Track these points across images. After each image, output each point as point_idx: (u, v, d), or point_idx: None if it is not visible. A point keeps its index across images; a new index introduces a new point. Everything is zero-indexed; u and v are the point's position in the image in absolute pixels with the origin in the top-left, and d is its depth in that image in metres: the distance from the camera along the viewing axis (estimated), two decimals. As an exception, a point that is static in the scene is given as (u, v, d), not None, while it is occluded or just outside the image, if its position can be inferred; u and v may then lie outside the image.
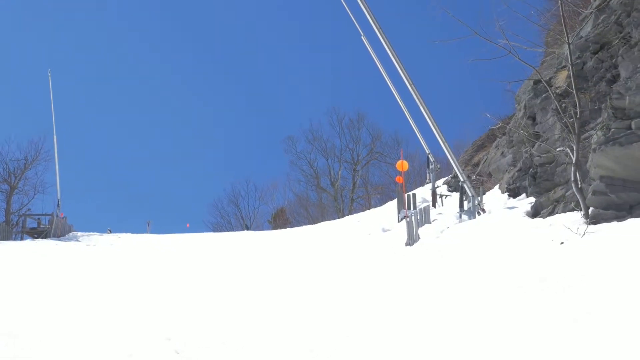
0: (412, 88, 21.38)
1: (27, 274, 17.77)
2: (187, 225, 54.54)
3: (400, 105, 29.92)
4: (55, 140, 45.78)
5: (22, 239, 41.32)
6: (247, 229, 56.63)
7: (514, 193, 20.65)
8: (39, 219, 43.63)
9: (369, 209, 45.72)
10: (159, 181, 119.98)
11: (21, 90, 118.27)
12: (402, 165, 30.80)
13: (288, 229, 43.45)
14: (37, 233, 41.08)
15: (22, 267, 19.85)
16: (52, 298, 12.82)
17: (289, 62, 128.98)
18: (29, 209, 48.35)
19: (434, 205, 28.99)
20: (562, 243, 12.01)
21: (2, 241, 33.39)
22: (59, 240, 36.27)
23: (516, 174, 20.82)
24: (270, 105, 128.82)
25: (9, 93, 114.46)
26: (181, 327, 9.68)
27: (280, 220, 66.75)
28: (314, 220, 53.55)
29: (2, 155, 50.08)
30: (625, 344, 6.24)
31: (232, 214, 75.66)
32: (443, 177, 38.41)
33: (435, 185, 31.64)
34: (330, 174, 70.66)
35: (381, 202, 51.30)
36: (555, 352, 6.54)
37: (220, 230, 59.03)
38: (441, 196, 30.75)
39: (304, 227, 43.27)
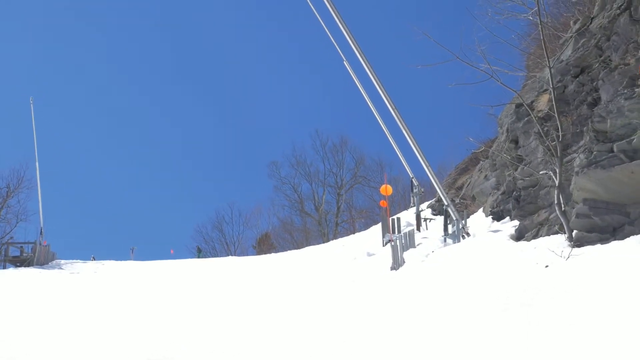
0: (394, 112, 21.45)
1: (11, 302, 17.65)
2: (172, 251, 54.40)
3: (383, 129, 30.03)
4: (37, 168, 45.69)
5: (4, 267, 41.00)
6: (199, 252, 55.90)
7: (497, 216, 20.70)
8: (21, 247, 43.36)
9: (354, 233, 45.73)
10: (142, 208, 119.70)
11: (2, 118, 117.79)
12: (386, 189, 30.86)
13: (273, 254, 43.34)
14: (20, 261, 40.81)
15: (5, 295, 19.70)
16: (38, 326, 12.73)
17: (271, 86, 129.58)
18: (11, 237, 48.06)
19: (418, 229, 29.00)
20: (546, 266, 12.03)
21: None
22: (42, 268, 36.04)
23: (500, 197, 20.88)
24: (253, 130, 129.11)
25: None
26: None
27: (264, 245, 66.56)
28: (298, 245, 53.48)
29: (-17, 184, 49.94)
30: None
31: (217, 240, 75.51)
32: (427, 201, 38.49)
33: (420, 209, 31.67)
34: (315, 199, 70.76)
35: (366, 226, 51.32)
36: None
37: (205, 256, 58.74)
38: (425, 220, 30.80)
39: (289, 252, 43.18)
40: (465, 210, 24.81)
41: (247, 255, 53.72)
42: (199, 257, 53.98)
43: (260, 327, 12.55)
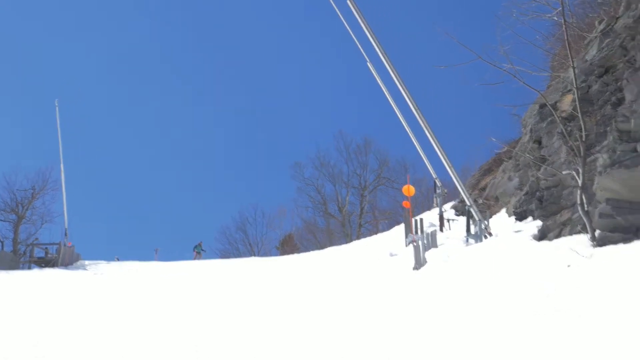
0: (417, 112, 21.44)
1: (37, 301, 17.87)
2: (195, 252, 54.29)
3: (406, 131, 29.98)
4: (62, 169, 45.93)
5: (29, 268, 41.31)
6: (198, 248, 54.80)
7: (520, 216, 20.62)
8: (46, 248, 43.64)
9: (377, 234, 45.65)
10: (166, 209, 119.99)
11: (28, 119, 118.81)
12: (409, 190, 30.84)
13: (296, 255, 43.36)
14: (45, 262, 41.08)
15: (31, 294, 19.94)
16: (63, 323, 12.87)
17: (295, 87, 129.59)
18: (36, 239, 48.42)
19: (441, 230, 28.95)
20: (568, 266, 11.99)
21: (10, 270, 33.42)
22: (67, 269, 36.32)
23: (523, 197, 20.81)
24: (277, 131, 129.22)
25: (16, 123, 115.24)
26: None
27: (288, 246, 66.59)
28: (321, 246, 53.39)
29: (9, 185, 50.35)
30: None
31: (240, 241, 75.50)
32: (450, 202, 38.41)
33: (443, 210, 31.60)
34: (338, 200, 70.66)
35: (389, 227, 51.20)
36: None
37: (228, 257, 58.82)
38: (448, 220, 30.71)
39: (311, 252, 43.19)
40: (488, 211, 24.77)
41: (270, 256, 53.68)
42: (198, 252, 53.54)
43: (284, 323, 12.64)
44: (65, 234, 44.19)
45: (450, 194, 39.47)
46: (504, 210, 25.52)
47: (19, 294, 20.24)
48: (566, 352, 7.44)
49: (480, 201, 29.93)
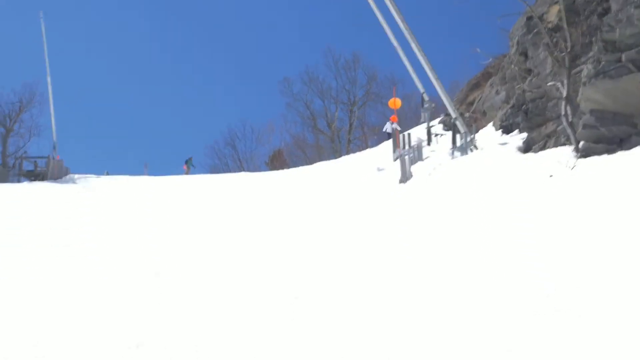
0: (404, 26, 21.27)
1: (31, 211, 18.06)
2: (185, 167, 54.29)
3: (394, 45, 29.71)
4: (49, 82, 45.33)
5: (19, 181, 41.34)
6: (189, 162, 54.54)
7: (507, 129, 20.68)
8: (35, 161, 43.56)
9: (366, 150, 45.69)
10: (155, 125, 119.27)
11: (13, 33, 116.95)
12: (395, 102, 30.78)
13: (285, 170, 43.47)
14: (34, 175, 41.04)
15: (24, 205, 20.11)
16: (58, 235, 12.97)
17: (283, 2, 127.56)
18: (25, 152, 48.42)
19: (429, 144, 28.97)
20: (550, 176, 12.11)
21: (-1, 183, 33.44)
22: (56, 182, 36.32)
23: (509, 110, 20.83)
24: (264, 47, 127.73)
25: (1, 35, 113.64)
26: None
27: (277, 162, 66.63)
28: (310, 162, 53.45)
29: (-4, 98, 50.12)
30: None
31: (229, 156, 75.51)
32: (438, 117, 38.34)
33: (430, 125, 31.58)
34: (327, 116, 70.38)
35: (378, 142, 51.16)
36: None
37: (218, 172, 58.90)
38: (436, 135, 30.71)
39: (301, 167, 43.30)
40: (475, 125, 24.76)
41: (260, 171, 53.82)
42: (189, 166, 53.42)
43: (272, 232, 12.82)
44: (54, 148, 44.01)
45: (439, 109, 39.37)
46: (490, 124, 25.52)
47: (13, 205, 20.36)
48: (530, 256, 7.62)
49: (468, 115, 29.91)
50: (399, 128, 34.69)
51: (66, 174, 41.49)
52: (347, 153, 57.09)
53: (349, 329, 5.82)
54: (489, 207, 11.09)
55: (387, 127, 36.10)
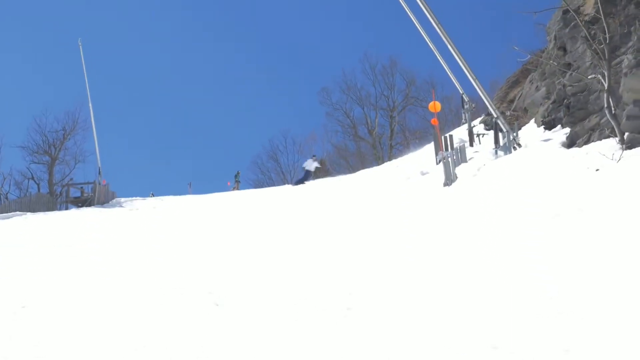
0: (439, 28, 21.20)
1: (84, 235, 18.39)
2: (229, 183, 54.70)
3: (431, 48, 29.63)
4: (91, 108, 46.13)
5: (67, 208, 42.01)
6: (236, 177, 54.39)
7: (549, 125, 20.51)
8: (81, 187, 44.25)
9: (408, 154, 45.61)
10: (196, 143, 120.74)
11: (54, 61, 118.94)
12: (435, 106, 30.61)
13: (329, 179, 43.58)
14: (81, 202, 41.67)
15: (77, 231, 20.47)
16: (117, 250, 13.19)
17: (318, 11, 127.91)
18: (71, 179, 49.37)
19: (471, 145, 28.82)
20: (597, 170, 11.97)
21: (48, 212, 33.98)
22: (103, 207, 36.84)
23: (550, 106, 20.65)
24: (301, 57, 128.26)
25: (42, 64, 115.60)
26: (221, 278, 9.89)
27: (320, 171, 66.95)
28: (353, 170, 53.54)
29: (41, 127, 51.20)
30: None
31: (273, 169, 76.16)
32: (479, 117, 38.12)
33: (472, 125, 31.39)
34: (367, 123, 70.54)
35: (420, 146, 51.10)
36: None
37: (262, 186, 59.31)
38: (478, 135, 30.52)
39: (344, 176, 43.38)
40: (517, 123, 24.57)
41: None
42: (238, 181, 53.69)
43: (321, 236, 12.90)
44: (99, 173, 44.72)
45: (479, 108, 39.18)
46: (532, 121, 25.32)
47: (65, 231, 20.71)
48: (590, 243, 7.55)
49: (509, 113, 29.70)
50: (318, 165, 36.10)
51: (112, 198, 42.12)
52: (390, 159, 57.09)
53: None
54: (537, 206, 10.99)
55: (307, 164, 37.07)
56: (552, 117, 20.20)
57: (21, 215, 28.85)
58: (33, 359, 5.82)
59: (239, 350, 5.98)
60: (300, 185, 39.19)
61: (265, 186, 60.42)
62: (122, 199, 41.45)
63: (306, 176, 36.15)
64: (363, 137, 70.67)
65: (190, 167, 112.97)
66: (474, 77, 21.14)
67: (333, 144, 73.07)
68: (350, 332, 6.22)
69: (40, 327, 7.09)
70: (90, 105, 46.22)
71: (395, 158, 51.09)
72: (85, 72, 45.95)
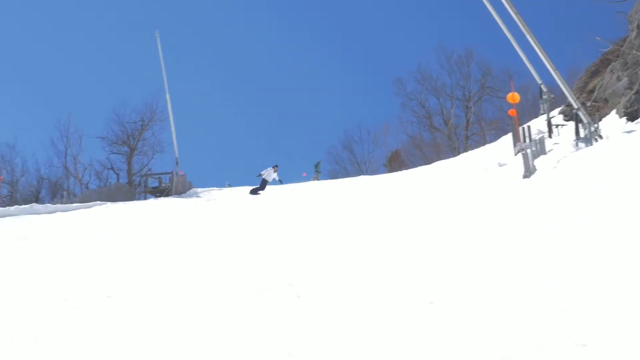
0: (517, 17, 21.01)
1: (165, 224, 18.91)
2: (304, 174, 55.03)
3: (508, 38, 29.31)
4: (168, 99, 46.88)
5: (145, 198, 42.91)
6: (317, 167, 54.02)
7: (631, 117, 20.14)
8: (159, 178, 45.09)
9: (484, 145, 45.22)
10: (272, 132, 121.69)
11: (132, 52, 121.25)
12: (513, 97, 30.27)
13: (404, 171, 43.51)
14: (159, 192, 42.48)
15: (158, 218, 21.06)
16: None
17: (392, 2, 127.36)
18: (149, 169, 50.37)
19: (549, 136, 28.44)
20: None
21: (127, 201, 34.81)
22: (180, 197, 37.55)
23: (633, 96, 20.27)
24: (376, 47, 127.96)
25: (120, 56, 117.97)
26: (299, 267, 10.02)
27: (395, 163, 66.85)
28: (429, 161, 53.26)
29: (119, 118, 52.39)
30: None
31: (347, 160, 76.34)
32: (558, 107, 37.53)
33: (550, 116, 30.92)
34: (443, 113, 70.14)
35: (496, 137, 50.56)
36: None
37: (337, 177, 59.51)
38: (557, 126, 30.08)
39: (419, 167, 43.28)
40: (597, 114, 24.15)
41: (378, 174, 53.96)
42: (318, 171, 53.73)
43: (401, 226, 12.94)
44: (177, 163, 45.38)
45: (558, 99, 38.54)
46: (614, 112, 24.84)
47: (146, 219, 21.31)
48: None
49: (589, 104, 29.19)
50: (277, 179, 34.99)
51: (189, 188, 42.84)
52: (465, 150, 56.63)
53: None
54: (622, 200, 10.86)
55: (266, 174, 35.51)
56: (635, 107, 19.85)
57: (101, 204, 29.67)
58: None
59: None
60: (377, 177, 39.18)
61: (340, 177, 60.60)
62: (199, 189, 42.15)
63: (262, 186, 34.56)
64: (438, 127, 70.29)
65: (265, 158, 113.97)
66: (554, 67, 20.88)
67: (408, 134, 72.87)
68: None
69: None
70: (167, 96, 47.01)
71: (472, 149, 50.65)
72: (162, 63, 46.75)
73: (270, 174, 34.97)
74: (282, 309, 6.99)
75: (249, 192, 35.07)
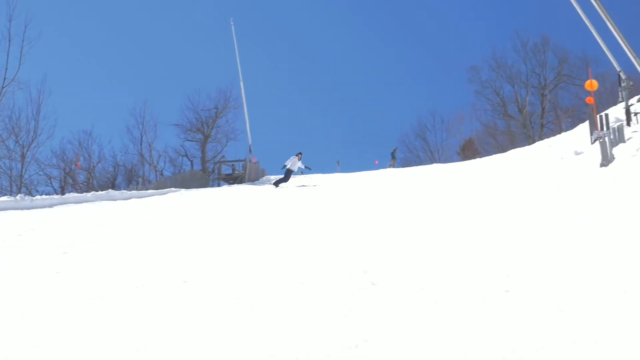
0: (596, 3, 20.74)
1: (240, 210, 19.29)
2: (376, 162, 55.07)
3: (585, 23, 28.86)
4: (242, 87, 47.50)
5: (219, 185, 43.59)
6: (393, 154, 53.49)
7: None
8: (233, 165, 45.75)
9: (560, 134, 44.59)
10: (344, 120, 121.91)
11: (206, 40, 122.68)
12: (592, 84, 29.79)
13: (477, 159, 43.22)
14: (232, 179, 43.11)
15: (231, 205, 21.45)
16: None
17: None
18: (223, 156, 51.25)
19: (628, 124, 27.91)
20: None
21: (201, 188, 35.45)
22: (253, 184, 38.05)
23: None
24: (450, 35, 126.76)
25: (195, 44, 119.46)
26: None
27: (468, 151, 66.40)
28: (503, 149, 52.71)
29: (194, 105, 53.41)
30: None
31: (420, 148, 76.07)
32: (637, 95, 36.80)
33: (629, 104, 30.36)
34: (518, 101, 69.20)
35: (572, 125, 49.73)
36: None
37: (410, 165, 59.38)
38: (636, 114, 29.53)
39: (493, 156, 42.93)
40: (679, 101, 23.69)
41: (451, 162, 53.71)
42: (394, 157, 53.58)
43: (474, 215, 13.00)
44: (250, 150, 45.91)
45: (637, 86, 37.79)
46: (696, 100, 24.35)
47: (223, 205, 21.76)
48: None
49: (670, 91, 28.60)
50: (302, 166, 33.29)
51: (262, 175, 43.40)
52: (540, 138, 55.96)
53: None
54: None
55: (290, 163, 33.51)
56: None
57: (176, 191, 30.31)
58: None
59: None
60: (449, 165, 39.02)
61: (413, 165, 60.47)
62: (272, 177, 42.54)
63: (286, 177, 33.39)
64: (513, 115, 69.45)
65: (338, 146, 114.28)
66: (634, 55, 20.58)
67: (482, 122, 72.23)
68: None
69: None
70: (241, 84, 47.69)
71: (547, 137, 49.97)
72: (237, 51, 47.35)
73: (295, 163, 33.69)
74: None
75: (272, 183, 34.18)
